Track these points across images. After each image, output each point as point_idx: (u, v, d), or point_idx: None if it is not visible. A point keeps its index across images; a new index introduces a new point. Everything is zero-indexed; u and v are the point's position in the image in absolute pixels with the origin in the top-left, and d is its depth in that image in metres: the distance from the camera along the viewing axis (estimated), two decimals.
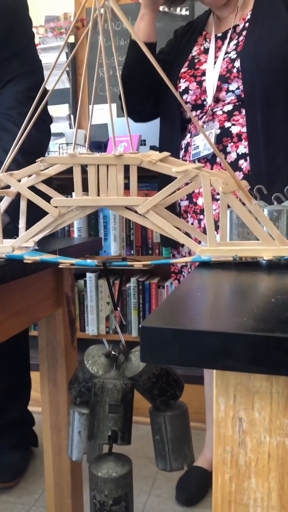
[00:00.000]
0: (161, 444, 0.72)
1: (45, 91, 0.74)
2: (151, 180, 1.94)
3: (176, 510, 1.42)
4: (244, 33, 1.29)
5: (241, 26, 1.32)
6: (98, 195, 0.63)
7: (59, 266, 0.65)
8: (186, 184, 0.61)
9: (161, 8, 2.68)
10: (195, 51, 1.40)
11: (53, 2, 2.86)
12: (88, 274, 2.01)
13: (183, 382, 0.73)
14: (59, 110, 2.73)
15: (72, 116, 2.75)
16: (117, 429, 0.64)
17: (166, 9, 2.61)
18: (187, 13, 2.53)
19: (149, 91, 1.42)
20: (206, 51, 1.37)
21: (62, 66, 2.82)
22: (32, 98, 1.19)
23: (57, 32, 2.90)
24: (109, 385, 0.65)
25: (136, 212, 0.62)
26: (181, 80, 1.35)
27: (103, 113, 2.77)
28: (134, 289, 1.95)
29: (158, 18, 2.74)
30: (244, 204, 0.59)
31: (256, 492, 0.37)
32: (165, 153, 0.61)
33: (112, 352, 0.70)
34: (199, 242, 0.69)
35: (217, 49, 1.34)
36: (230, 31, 1.32)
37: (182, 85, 1.34)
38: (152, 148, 1.94)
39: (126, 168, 0.63)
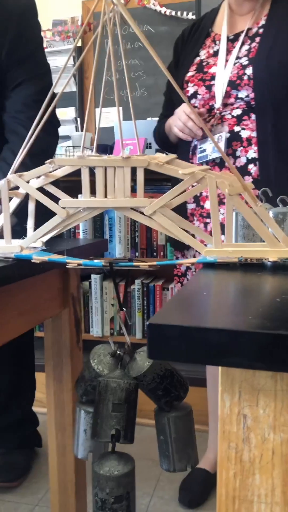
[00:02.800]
0: (165, 445, 0.72)
1: (54, 95, 0.75)
2: (156, 183, 1.95)
3: (179, 511, 1.42)
4: (257, 39, 1.27)
5: (254, 31, 1.30)
6: (106, 196, 0.64)
7: (67, 266, 0.65)
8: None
9: (167, 12, 2.70)
10: (203, 54, 1.38)
11: (60, 6, 2.88)
12: (93, 276, 2.02)
13: (187, 384, 0.74)
14: (65, 113, 2.75)
15: (78, 119, 2.77)
16: (120, 427, 0.65)
17: (173, 13, 2.64)
18: (193, 16, 2.54)
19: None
20: (215, 53, 1.35)
21: (69, 69, 2.84)
22: (40, 101, 1.20)
23: (65, 36, 2.92)
24: (113, 384, 0.66)
25: (143, 213, 0.63)
26: (189, 84, 1.34)
27: (108, 116, 2.79)
28: (139, 291, 1.96)
29: (164, 22, 2.76)
30: (250, 206, 0.59)
31: (260, 488, 0.37)
32: (172, 155, 0.62)
33: (118, 352, 0.71)
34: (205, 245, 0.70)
35: (228, 51, 1.32)
36: (242, 34, 1.30)
37: (190, 89, 1.33)
38: (158, 151, 1.95)
39: (133, 171, 0.64)
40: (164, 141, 1.49)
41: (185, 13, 2.58)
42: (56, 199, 0.69)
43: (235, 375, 0.37)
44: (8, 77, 1.20)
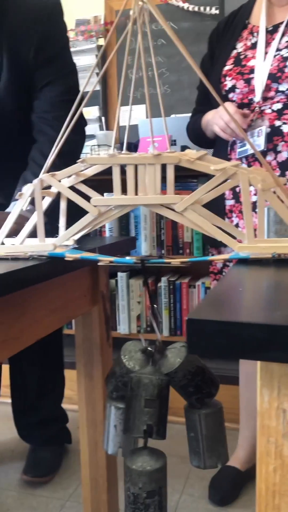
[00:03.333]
0: (196, 442, 0.72)
1: (82, 95, 0.76)
2: (182, 180, 1.94)
3: (209, 509, 1.42)
4: None
5: None
6: (136, 194, 0.64)
7: (99, 264, 0.66)
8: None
9: (190, 8, 2.68)
10: (240, 47, 1.33)
11: (83, 5, 2.90)
12: (119, 274, 2.03)
13: (218, 381, 0.74)
14: (89, 112, 2.77)
15: (103, 118, 2.78)
16: (152, 423, 0.65)
17: (195, 9, 2.62)
18: (217, 12, 2.52)
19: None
20: (253, 46, 1.30)
21: (92, 68, 2.86)
22: (67, 101, 1.23)
23: (88, 35, 2.94)
24: (146, 380, 0.66)
25: (173, 210, 0.63)
26: (227, 78, 1.30)
27: (132, 114, 2.79)
28: (165, 288, 1.96)
29: (186, 18, 2.74)
30: (282, 201, 0.59)
31: None
32: (203, 152, 0.62)
33: (149, 348, 0.71)
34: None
35: (267, 43, 1.27)
36: (282, 25, 1.25)
37: (228, 83, 1.30)
38: (183, 147, 1.94)
39: (162, 168, 0.64)
40: (199, 136, 1.46)
41: (208, 8, 2.56)
42: (85, 198, 0.70)
43: (274, 370, 0.36)
44: (36, 78, 1.21)
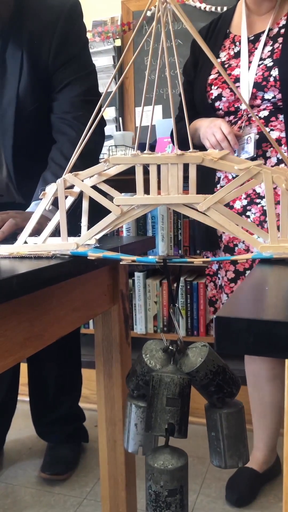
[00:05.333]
0: (216, 441, 0.72)
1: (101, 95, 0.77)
2: None
3: (226, 510, 1.42)
4: (280, 39, 1.26)
5: (275, 31, 1.29)
6: (159, 193, 0.65)
7: (121, 263, 0.67)
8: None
9: (207, 8, 2.68)
10: (224, 56, 1.37)
11: (100, 7, 2.92)
12: (136, 274, 2.04)
13: (239, 381, 0.73)
14: (106, 113, 2.79)
15: (120, 118, 2.80)
16: (174, 422, 0.65)
17: (212, 9, 2.62)
18: None
19: None
20: (236, 55, 1.34)
21: (109, 69, 2.87)
22: (86, 101, 1.24)
23: (104, 36, 2.95)
24: (167, 379, 0.66)
25: (196, 209, 0.63)
26: (213, 87, 1.33)
27: (148, 115, 2.80)
28: (182, 289, 1.96)
29: (204, 18, 2.74)
30: None
31: None
32: (225, 151, 0.62)
33: (170, 347, 0.72)
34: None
35: (249, 53, 1.31)
36: (264, 35, 1.29)
37: (214, 92, 1.33)
38: (196, 148, 1.94)
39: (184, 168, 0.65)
40: (185, 142, 1.48)
41: (225, 8, 2.55)
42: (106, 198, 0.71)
43: None
44: (55, 79, 1.22)
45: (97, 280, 0.90)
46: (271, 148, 1.26)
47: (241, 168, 0.58)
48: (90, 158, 0.90)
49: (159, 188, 0.65)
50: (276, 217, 0.60)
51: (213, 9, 2.58)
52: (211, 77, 1.35)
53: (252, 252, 0.73)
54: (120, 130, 2.69)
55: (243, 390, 1.09)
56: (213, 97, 1.34)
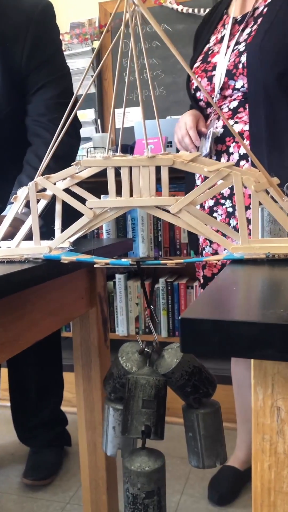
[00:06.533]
0: (194, 441, 0.73)
1: (76, 97, 0.76)
2: (178, 181, 1.95)
3: (210, 509, 1.42)
4: (259, 20, 1.14)
5: (260, 10, 1.16)
6: (131, 196, 0.65)
7: (95, 266, 0.67)
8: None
9: (184, 10, 2.69)
10: (212, 41, 1.26)
11: (78, 8, 2.91)
12: (117, 276, 2.03)
13: (215, 381, 0.74)
14: (85, 115, 2.78)
15: (98, 120, 2.79)
16: (150, 424, 0.65)
17: (189, 11, 2.63)
18: None
19: None
20: (222, 39, 1.21)
21: (88, 71, 2.87)
22: (61, 104, 1.23)
23: (82, 38, 2.95)
24: (143, 381, 0.66)
25: (168, 212, 0.64)
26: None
27: (128, 116, 2.80)
28: (163, 289, 1.97)
29: (181, 20, 2.76)
30: (275, 201, 0.59)
31: None
32: (196, 153, 0.62)
33: (146, 349, 0.72)
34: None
35: (232, 36, 1.18)
36: (248, 15, 1.16)
37: (195, 81, 1.22)
38: (179, 149, 1.95)
39: (157, 170, 0.65)
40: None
41: (202, 10, 2.57)
42: (80, 200, 0.71)
43: (267, 368, 0.37)
44: (29, 81, 1.21)
45: (74, 284, 0.90)
46: (234, 143, 1.17)
47: (211, 170, 0.58)
48: (65, 160, 0.90)
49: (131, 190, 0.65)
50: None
51: (190, 11, 2.60)
52: (196, 65, 1.26)
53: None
54: (99, 132, 2.68)
55: (221, 389, 1.10)
56: (194, 87, 1.27)
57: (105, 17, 2.89)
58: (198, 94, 1.27)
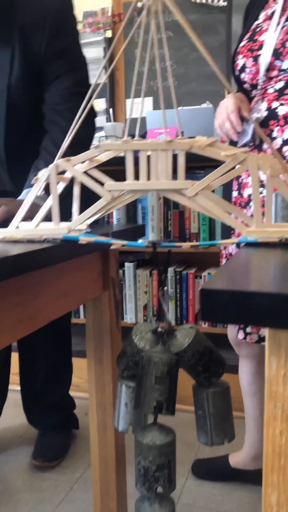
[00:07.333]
0: (203, 419, 0.75)
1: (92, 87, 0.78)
2: (188, 172, 1.96)
3: (213, 493, 1.46)
4: None
5: None
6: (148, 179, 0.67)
7: (111, 247, 0.69)
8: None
9: (198, 0, 2.68)
10: (261, 17, 1.16)
11: None
12: (126, 264, 2.06)
13: (225, 361, 0.76)
14: (96, 105, 2.79)
15: (110, 110, 2.80)
16: (162, 399, 0.68)
17: (203, 1, 2.63)
18: (225, 4, 2.53)
19: None
20: (271, 15, 1.13)
21: (99, 61, 2.87)
22: (77, 93, 1.25)
23: (95, 27, 2.95)
24: (156, 359, 0.69)
25: (184, 196, 0.65)
26: (239, 57, 1.16)
27: (138, 106, 2.81)
28: (172, 279, 1.99)
29: (194, 10, 2.75)
30: None
31: None
32: (213, 138, 0.64)
33: (159, 329, 0.74)
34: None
35: (284, 11, 1.09)
36: None
37: (240, 62, 1.17)
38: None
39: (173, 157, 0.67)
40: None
41: (216, 0, 2.56)
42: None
43: (281, 339, 0.39)
44: (47, 70, 1.24)
45: (88, 267, 0.92)
46: (278, 127, 1.10)
47: (228, 155, 0.60)
48: (81, 148, 0.92)
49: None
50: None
51: (203, 1, 2.60)
52: (241, 44, 1.18)
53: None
54: (110, 121, 2.70)
55: (227, 378, 1.12)
56: (238, 68, 1.18)
57: (118, 6, 2.90)
58: (242, 75, 1.19)
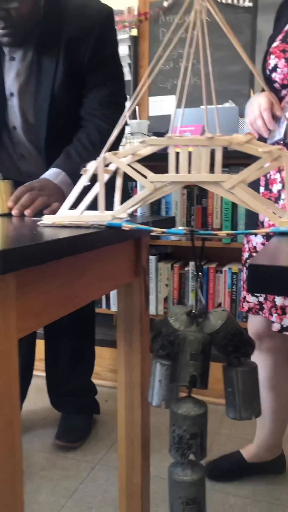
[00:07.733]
0: (232, 396, 0.81)
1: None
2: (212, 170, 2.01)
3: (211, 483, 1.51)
4: None
5: None
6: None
7: (152, 234, 0.75)
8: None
9: (224, 0, 2.72)
10: None
11: None
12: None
13: (254, 343, 0.82)
14: None
15: (137, 107, 2.86)
16: (196, 374, 0.74)
17: (229, 1, 2.67)
18: (251, 4, 2.56)
19: None
20: None
21: (125, 58, 2.93)
22: (113, 102, 1.37)
23: (121, 26, 3.01)
24: (191, 337, 0.75)
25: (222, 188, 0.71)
26: (271, 56, 1.18)
27: (161, 105, 2.87)
28: (193, 272, 2.05)
29: (220, 10, 2.79)
30: None
31: None
32: (250, 135, 0.70)
33: (193, 311, 0.80)
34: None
35: None
36: None
37: (272, 62, 1.19)
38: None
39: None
40: None
41: (241, 0, 2.60)
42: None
43: None
44: (88, 79, 1.34)
45: (122, 255, 0.99)
46: None
47: (264, 151, 0.66)
48: (114, 148, 1.01)
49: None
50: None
51: (229, 1, 2.64)
52: (274, 44, 1.18)
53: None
54: (137, 119, 2.76)
55: None
56: (270, 67, 1.19)
57: (144, 5, 2.95)
58: (273, 75, 1.20)
